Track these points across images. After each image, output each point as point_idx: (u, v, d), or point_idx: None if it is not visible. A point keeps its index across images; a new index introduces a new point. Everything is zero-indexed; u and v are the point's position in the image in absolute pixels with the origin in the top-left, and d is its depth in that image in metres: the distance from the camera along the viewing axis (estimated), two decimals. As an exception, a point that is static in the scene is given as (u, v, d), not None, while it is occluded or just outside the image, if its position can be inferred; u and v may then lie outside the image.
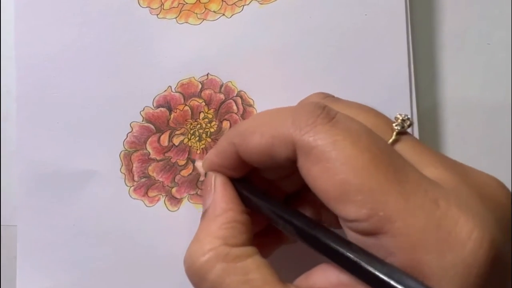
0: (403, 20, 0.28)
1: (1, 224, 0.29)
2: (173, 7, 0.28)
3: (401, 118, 0.20)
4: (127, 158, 0.28)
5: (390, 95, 0.28)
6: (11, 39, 0.28)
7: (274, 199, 0.21)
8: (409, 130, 0.20)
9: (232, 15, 0.28)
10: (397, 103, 0.28)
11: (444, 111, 0.30)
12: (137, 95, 0.28)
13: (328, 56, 0.28)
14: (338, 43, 0.28)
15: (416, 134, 0.28)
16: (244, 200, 0.22)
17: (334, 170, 0.17)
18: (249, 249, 0.20)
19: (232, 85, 0.28)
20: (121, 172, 0.28)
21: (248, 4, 0.28)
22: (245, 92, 0.28)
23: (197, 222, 0.27)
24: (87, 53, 0.28)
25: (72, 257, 0.28)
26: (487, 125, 0.30)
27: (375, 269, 0.16)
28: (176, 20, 0.28)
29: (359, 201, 0.17)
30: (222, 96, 0.28)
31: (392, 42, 0.28)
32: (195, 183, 0.28)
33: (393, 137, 0.19)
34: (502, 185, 0.19)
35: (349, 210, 0.17)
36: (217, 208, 0.21)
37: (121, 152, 0.28)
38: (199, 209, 0.28)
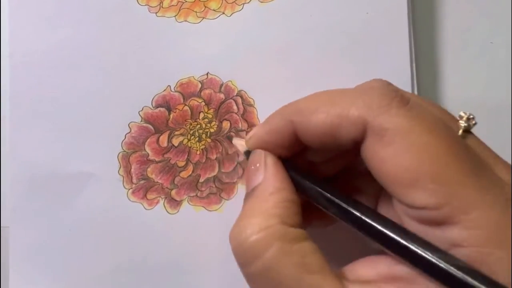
0: (405, 18, 0.28)
1: (1, 225, 0.28)
2: (172, 5, 0.28)
3: (466, 116, 0.20)
4: (125, 159, 0.27)
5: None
6: (5, 37, 0.27)
7: (325, 183, 0.20)
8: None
9: (232, 14, 0.28)
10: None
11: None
12: (136, 95, 0.27)
13: (329, 55, 0.28)
14: (339, 42, 0.28)
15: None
16: (292, 181, 0.21)
17: (408, 155, 0.17)
18: (303, 232, 0.19)
19: (232, 84, 0.28)
20: (119, 174, 0.27)
21: (248, 3, 0.28)
22: (245, 92, 0.28)
23: (197, 224, 0.27)
24: (84, 52, 0.27)
25: (67, 261, 0.27)
26: (489, 125, 0.30)
27: (443, 260, 0.16)
28: (175, 19, 0.28)
29: (432, 189, 0.16)
30: (222, 96, 0.28)
31: (393, 41, 0.28)
32: (195, 185, 0.27)
33: (461, 133, 0.19)
34: None
35: (418, 197, 0.17)
36: (270, 186, 0.20)
37: (119, 153, 0.27)
38: (199, 211, 0.27)
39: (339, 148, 0.20)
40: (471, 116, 0.20)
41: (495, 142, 0.30)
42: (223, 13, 0.28)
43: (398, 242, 0.17)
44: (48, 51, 0.27)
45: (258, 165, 0.21)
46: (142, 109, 0.27)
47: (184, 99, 0.28)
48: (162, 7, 0.28)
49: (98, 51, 0.27)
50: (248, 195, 0.21)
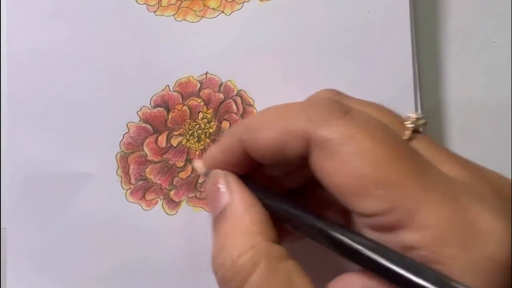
0: (407, 17, 0.28)
1: (1, 226, 0.28)
2: (171, 4, 0.27)
3: (415, 116, 0.20)
4: (123, 160, 0.27)
5: (394, 94, 0.28)
6: (3, 36, 0.27)
7: (283, 198, 0.20)
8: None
9: (231, 12, 0.28)
10: (401, 103, 0.28)
11: (449, 110, 0.30)
12: (134, 95, 0.27)
13: (330, 54, 0.28)
14: (341, 41, 0.28)
15: (421, 134, 0.28)
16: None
17: (351, 164, 0.17)
18: (285, 250, 0.19)
19: (232, 84, 0.27)
20: (117, 175, 0.27)
21: (248, 1, 0.28)
22: (245, 92, 0.28)
23: (196, 225, 0.27)
24: (82, 51, 0.27)
25: (65, 262, 0.27)
26: (492, 124, 0.30)
27: (394, 263, 0.16)
28: (174, 18, 0.27)
29: (379, 195, 0.16)
30: (221, 96, 0.27)
31: (395, 40, 0.28)
32: (194, 186, 0.27)
33: (408, 136, 0.19)
34: None
35: (367, 204, 0.17)
36: (241, 204, 0.20)
37: (117, 153, 0.27)
38: (198, 212, 0.27)
39: (291, 163, 0.20)
40: (419, 116, 0.20)
41: (498, 142, 0.30)
42: (223, 12, 0.28)
43: (358, 254, 0.17)
44: (45, 51, 0.27)
45: (219, 185, 0.21)
46: (141, 109, 0.27)
47: (183, 99, 0.27)
48: (160, 5, 0.27)
49: (96, 51, 0.27)
50: (218, 220, 0.20)
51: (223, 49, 0.27)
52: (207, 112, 0.27)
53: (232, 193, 0.20)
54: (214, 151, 0.22)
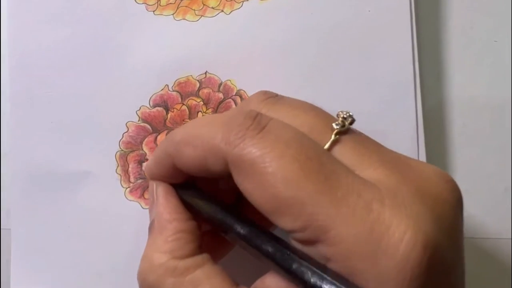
0: (407, 16, 0.27)
1: (1, 227, 0.28)
2: (170, 3, 0.27)
3: (342, 115, 0.19)
4: (123, 158, 0.27)
5: (394, 94, 0.28)
6: (4, 37, 0.27)
7: (215, 204, 0.21)
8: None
9: (231, 12, 0.27)
10: (401, 102, 0.28)
11: (450, 110, 0.30)
12: (133, 94, 0.27)
13: (330, 54, 0.27)
14: (341, 40, 0.27)
15: (421, 134, 0.27)
16: (187, 206, 0.21)
17: (265, 184, 0.17)
18: (199, 259, 0.20)
19: (231, 83, 0.27)
20: (117, 173, 0.27)
21: (247, 0, 0.27)
22: (244, 91, 0.28)
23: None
24: (81, 51, 0.27)
25: (67, 260, 0.27)
26: (494, 124, 0.29)
27: (305, 276, 0.17)
28: (173, 17, 0.27)
29: (292, 213, 0.17)
30: (220, 95, 0.28)
31: (396, 39, 0.27)
32: (193, 185, 0.27)
33: (332, 138, 0.19)
34: (447, 180, 0.18)
35: (285, 222, 0.17)
36: (162, 219, 0.21)
37: (116, 152, 0.27)
38: (197, 211, 0.27)
39: (219, 177, 0.20)
40: (348, 114, 0.19)
41: (500, 142, 0.29)
42: (222, 11, 0.27)
43: (279, 265, 0.18)
44: (45, 51, 0.27)
45: (151, 198, 0.22)
46: (140, 108, 0.27)
47: (182, 98, 0.27)
48: (159, 5, 0.27)
49: (95, 50, 0.27)
50: (148, 230, 0.22)
51: (223, 48, 0.27)
52: (207, 111, 0.28)
53: (157, 208, 0.21)
54: (149, 163, 0.22)
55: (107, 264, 0.27)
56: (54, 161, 0.27)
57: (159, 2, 0.27)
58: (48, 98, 0.27)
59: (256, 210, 0.19)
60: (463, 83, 0.29)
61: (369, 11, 0.27)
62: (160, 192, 0.22)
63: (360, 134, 0.20)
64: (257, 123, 0.18)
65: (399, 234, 0.16)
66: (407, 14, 0.27)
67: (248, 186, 0.18)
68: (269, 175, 0.17)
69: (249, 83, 0.28)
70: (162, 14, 0.27)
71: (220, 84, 0.27)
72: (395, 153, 0.19)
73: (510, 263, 0.29)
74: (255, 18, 0.27)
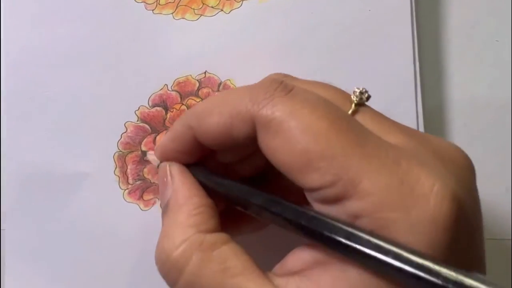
0: (408, 16, 0.27)
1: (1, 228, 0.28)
2: (169, 2, 0.27)
3: (359, 91, 0.20)
4: (121, 159, 0.27)
5: (395, 93, 0.28)
6: (1, 35, 0.27)
7: (230, 180, 0.21)
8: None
9: (230, 11, 0.27)
10: (402, 102, 0.28)
11: (451, 110, 0.30)
12: (132, 94, 0.27)
13: (330, 54, 0.27)
14: (341, 40, 0.27)
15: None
16: (202, 185, 0.21)
17: (294, 140, 0.17)
18: (224, 236, 0.19)
19: (231, 83, 0.27)
20: (115, 175, 0.27)
21: (247, 0, 0.27)
22: (244, 91, 0.27)
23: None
24: (79, 50, 0.27)
25: (63, 262, 0.27)
26: (495, 124, 0.29)
27: (335, 233, 0.16)
28: (173, 16, 0.27)
29: (322, 168, 0.17)
30: (220, 95, 0.27)
31: (396, 39, 0.27)
32: (193, 186, 0.27)
33: (352, 109, 0.19)
34: (460, 149, 0.19)
35: (313, 178, 0.17)
36: (180, 196, 0.20)
37: (115, 153, 0.27)
38: (197, 212, 0.27)
39: (243, 148, 0.20)
40: (364, 90, 0.20)
41: (501, 142, 0.29)
42: (222, 10, 0.27)
43: (307, 229, 0.17)
44: (42, 50, 0.27)
45: (165, 179, 0.21)
46: (139, 108, 0.27)
47: (181, 98, 0.27)
48: (159, 4, 0.27)
49: (94, 49, 0.27)
50: (163, 212, 0.21)
51: (222, 48, 0.27)
52: (206, 111, 0.27)
53: (173, 186, 0.21)
54: (165, 140, 0.22)
55: (105, 267, 0.27)
56: (50, 162, 0.27)
57: (158, 1, 0.27)
58: (45, 98, 0.27)
59: (266, 189, 0.19)
60: (464, 83, 0.29)
61: (370, 10, 0.28)
62: (175, 171, 0.21)
63: (375, 110, 0.20)
64: (284, 86, 0.19)
65: (428, 186, 0.16)
66: (408, 14, 0.27)
67: (275, 145, 0.18)
68: (299, 129, 0.17)
69: (249, 83, 0.27)
70: (161, 13, 0.27)
71: (220, 83, 0.27)
72: (410, 127, 0.20)
73: (510, 264, 0.29)
74: (254, 17, 0.27)
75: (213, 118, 0.19)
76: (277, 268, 0.19)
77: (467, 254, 0.17)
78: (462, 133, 0.29)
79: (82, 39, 0.27)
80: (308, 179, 0.17)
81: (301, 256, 0.18)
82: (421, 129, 0.28)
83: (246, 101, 0.19)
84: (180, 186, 0.21)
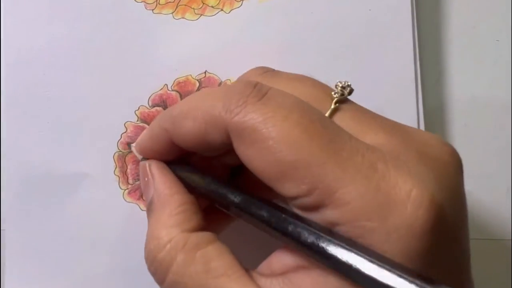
0: (408, 15, 0.27)
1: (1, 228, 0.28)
2: (169, 2, 0.27)
3: (341, 85, 0.19)
4: (121, 159, 0.27)
5: (395, 93, 0.27)
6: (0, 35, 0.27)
7: (211, 178, 0.21)
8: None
9: (231, 10, 0.27)
10: (402, 102, 0.27)
11: (451, 110, 0.29)
12: (132, 94, 0.27)
13: (331, 53, 0.27)
14: (341, 40, 0.27)
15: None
16: (182, 182, 0.21)
17: (268, 149, 0.17)
18: (208, 235, 0.19)
19: (231, 83, 0.27)
20: (115, 175, 0.27)
21: (247, -1, 0.27)
22: (244, 91, 0.27)
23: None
24: (79, 50, 0.27)
25: (63, 263, 0.27)
26: (495, 125, 0.29)
27: (313, 241, 0.16)
28: (173, 16, 0.27)
29: (297, 177, 0.16)
30: (220, 95, 0.27)
31: (397, 39, 0.27)
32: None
33: (332, 107, 0.19)
34: (445, 143, 0.19)
35: (289, 187, 0.17)
36: (161, 196, 0.20)
37: (114, 153, 0.27)
38: (197, 213, 0.27)
39: (217, 151, 0.20)
40: (346, 84, 0.20)
41: (502, 142, 0.29)
42: (222, 10, 0.27)
43: (285, 234, 0.17)
44: (42, 50, 0.27)
45: (146, 178, 0.21)
46: (138, 108, 0.27)
47: (181, 98, 0.27)
48: (158, 3, 0.27)
49: (94, 50, 0.27)
50: (147, 211, 0.21)
51: (222, 47, 0.27)
52: (206, 111, 0.27)
53: (154, 185, 0.21)
54: (143, 138, 0.22)
55: (105, 267, 0.27)
56: (50, 162, 0.27)
57: (158, 1, 0.27)
58: (45, 98, 0.27)
59: (250, 186, 0.19)
60: (464, 83, 0.29)
61: (370, 10, 0.27)
62: (155, 170, 0.21)
63: (357, 104, 0.20)
64: (258, 90, 0.18)
65: (405, 192, 0.16)
66: (408, 13, 0.27)
67: (250, 154, 0.17)
68: (272, 139, 0.17)
69: (249, 83, 0.27)
70: (161, 13, 0.27)
71: (220, 83, 0.27)
72: (393, 121, 0.19)
73: (510, 264, 0.29)
74: (255, 17, 0.27)
75: (187, 122, 0.19)
76: (262, 267, 0.19)
77: (449, 258, 0.17)
78: (462, 133, 0.29)
79: (82, 39, 0.27)
80: (285, 188, 0.17)
81: (284, 258, 0.18)
82: (422, 129, 0.28)
83: (219, 108, 0.18)
84: (161, 185, 0.21)
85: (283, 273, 0.18)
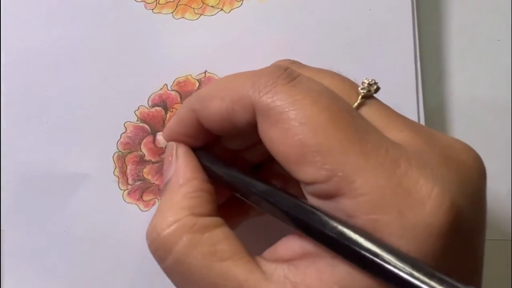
0: (409, 15, 0.27)
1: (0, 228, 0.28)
2: (169, 2, 0.27)
3: (367, 82, 0.19)
4: (120, 160, 0.27)
5: (396, 93, 0.27)
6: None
7: (234, 168, 0.21)
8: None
9: (231, 10, 0.27)
10: (403, 102, 0.27)
11: (452, 110, 0.29)
12: (131, 94, 0.27)
13: (331, 53, 0.27)
14: (341, 40, 0.27)
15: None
16: (205, 170, 0.21)
17: (292, 131, 0.17)
18: (217, 220, 0.19)
19: (231, 83, 0.27)
20: (115, 175, 0.27)
21: (247, -1, 0.27)
22: (244, 91, 0.27)
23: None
24: (78, 50, 0.27)
25: (63, 263, 0.26)
26: (496, 125, 0.29)
27: (327, 229, 0.16)
28: (172, 15, 0.27)
29: (318, 162, 0.16)
30: (220, 95, 0.27)
31: (397, 39, 0.27)
32: (193, 186, 0.27)
33: (358, 101, 0.19)
34: (470, 149, 0.19)
35: (307, 171, 0.17)
36: (180, 177, 0.20)
37: (114, 153, 0.27)
38: (197, 213, 0.27)
39: (246, 134, 0.20)
40: (373, 82, 0.20)
41: (503, 142, 0.29)
42: (222, 9, 0.27)
43: (300, 222, 0.17)
44: (41, 50, 0.26)
45: (170, 158, 0.21)
46: (138, 108, 0.27)
47: (181, 98, 0.27)
48: (158, 3, 0.27)
49: (93, 49, 0.27)
50: (162, 190, 0.21)
51: (222, 47, 0.27)
52: (206, 111, 0.27)
53: (176, 166, 0.21)
54: (171, 123, 0.22)
55: (104, 268, 0.27)
56: (49, 163, 0.26)
57: (157, 1, 0.27)
58: (44, 98, 0.26)
59: (273, 176, 0.19)
60: (465, 83, 0.29)
61: (370, 10, 0.27)
62: (181, 152, 0.21)
63: (383, 102, 0.20)
64: (288, 73, 0.18)
65: (426, 191, 0.16)
66: (409, 13, 0.27)
67: (273, 134, 0.17)
68: (299, 121, 0.17)
69: (249, 83, 0.27)
70: (161, 13, 0.27)
71: (220, 83, 0.27)
72: (418, 123, 0.20)
73: (510, 265, 0.29)
74: (255, 17, 0.27)
75: (215, 102, 0.19)
76: (268, 252, 0.19)
77: (462, 262, 0.17)
78: (463, 134, 0.29)
79: (81, 39, 0.27)
80: (303, 172, 0.17)
81: (291, 245, 0.18)
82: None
83: (248, 87, 0.18)
84: (183, 167, 0.21)
85: (289, 259, 0.18)
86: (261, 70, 0.19)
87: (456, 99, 0.29)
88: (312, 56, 0.27)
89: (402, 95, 0.27)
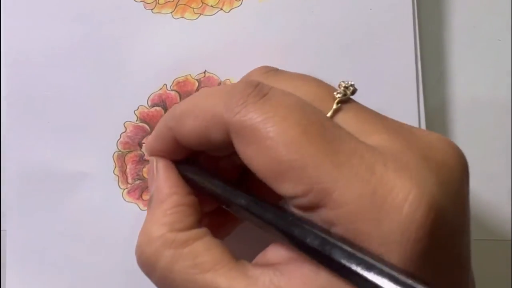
0: (410, 15, 0.27)
1: (1, 228, 0.28)
2: (169, 1, 0.27)
3: (344, 85, 0.19)
4: (120, 159, 0.27)
5: (396, 93, 0.27)
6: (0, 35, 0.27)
7: (217, 179, 0.21)
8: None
9: (230, 10, 0.27)
10: (404, 102, 0.27)
11: (453, 110, 0.29)
12: (131, 94, 0.27)
13: (331, 53, 0.27)
14: (342, 39, 0.27)
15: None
16: (189, 182, 0.21)
17: (266, 148, 0.17)
18: (198, 232, 0.19)
19: (231, 83, 0.27)
20: (114, 174, 0.27)
21: (247, -2, 0.27)
22: (244, 91, 0.27)
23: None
24: (78, 50, 0.27)
25: (63, 263, 0.27)
26: (497, 125, 0.29)
27: (309, 239, 0.16)
28: (172, 15, 0.27)
29: (294, 178, 0.17)
30: (220, 95, 0.27)
31: (398, 38, 0.27)
32: (192, 186, 0.27)
33: (334, 107, 0.19)
34: (452, 146, 0.18)
35: (286, 187, 0.17)
36: (160, 193, 0.21)
37: (114, 153, 0.27)
38: (196, 212, 0.27)
39: (219, 150, 0.20)
40: (349, 84, 0.19)
41: (504, 142, 0.29)
42: (221, 9, 0.27)
43: (283, 232, 0.18)
44: (41, 50, 0.27)
45: (151, 174, 0.22)
46: (138, 108, 0.27)
47: (180, 98, 0.27)
48: (158, 3, 0.27)
49: (93, 49, 0.27)
50: (147, 206, 0.21)
51: (222, 47, 0.27)
52: (205, 111, 0.27)
53: (157, 182, 0.21)
54: (151, 139, 0.22)
55: (105, 267, 0.27)
56: (50, 162, 0.27)
57: (157, 0, 0.27)
58: (45, 98, 0.27)
59: (259, 187, 0.19)
60: (466, 83, 0.29)
61: (371, 9, 0.27)
62: (160, 167, 0.21)
63: (361, 104, 0.20)
64: (259, 90, 0.18)
65: (403, 195, 0.16)
66: (410, 13, 0.27)
67: (249, 153, 0.18)
68: (271, 139, 0.17)
69: (249, 83, 0.27)
70: (160, 13, 0.27)
71: (219, 83, 0.27)
72: (398, 121, 0.19)
73: (510, 265, 0.29)
74: (254, 16, 0.27)
75: (189, 121, 0.19)
76: (259, 257, 0.19)
77: (446, 264, 0.17)
78: (464, 133, 0.29)
79: (81, 39, 0.27)
80: (282, 187, 0.17)
81: (279, 249, 0.18)
82: (423, 128, 0.28)
83: (220, 107, 0.18)
84: (162, 183, 0.21)
85: (276, 264, 0.18)
86: (233, 87, 0.19)
87: (457, 99, 0.29)
88: (312, 56, 0.27)
89: (402, 94, 0.27)
